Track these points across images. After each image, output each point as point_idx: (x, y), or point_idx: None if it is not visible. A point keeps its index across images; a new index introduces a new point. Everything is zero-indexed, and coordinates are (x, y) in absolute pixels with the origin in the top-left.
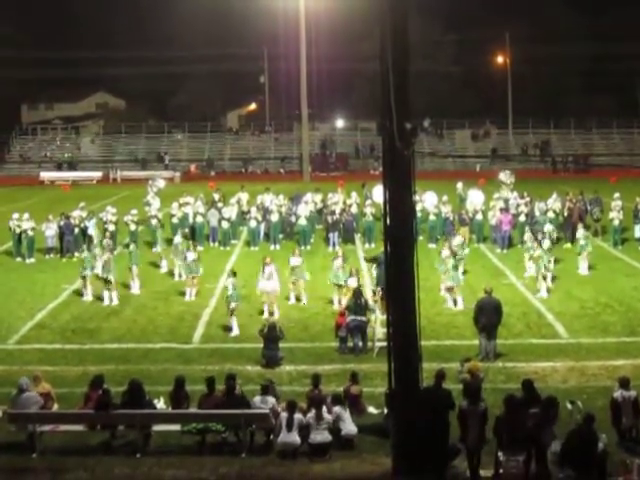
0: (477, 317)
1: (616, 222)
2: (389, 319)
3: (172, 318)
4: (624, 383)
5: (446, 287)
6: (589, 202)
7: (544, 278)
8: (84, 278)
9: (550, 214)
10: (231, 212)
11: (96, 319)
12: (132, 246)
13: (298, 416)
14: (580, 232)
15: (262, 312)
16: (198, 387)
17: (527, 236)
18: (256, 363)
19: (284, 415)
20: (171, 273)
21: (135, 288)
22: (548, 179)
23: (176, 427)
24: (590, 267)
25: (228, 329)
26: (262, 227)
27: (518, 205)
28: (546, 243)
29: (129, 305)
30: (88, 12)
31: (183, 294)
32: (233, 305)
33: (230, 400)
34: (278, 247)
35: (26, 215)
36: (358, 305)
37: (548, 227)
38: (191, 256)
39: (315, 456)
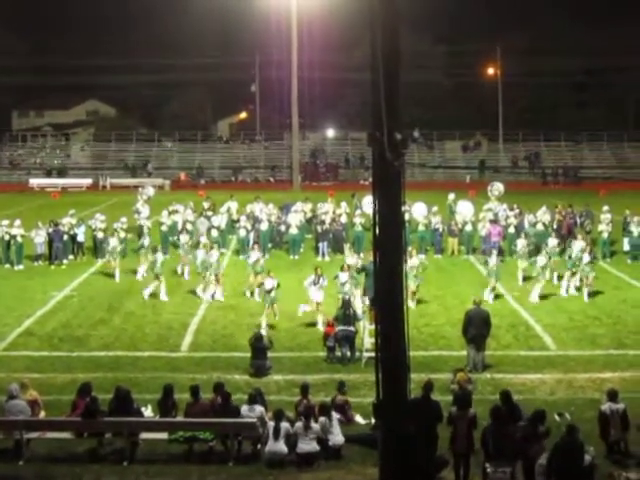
0: (466, 328)
1: (605, 235)
2: (377, 329)
3: (161, 326)
4: (612, 396)
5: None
6: (579, 215)
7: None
8: (157, 277)
9: (539, 226)
10: (221, 221)
11: (84, 327)
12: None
13: (285, 425)
14: (577, 245)
15: (312, 323)
16: (186, 395)
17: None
18: (244, 372)
19: (271, 424)
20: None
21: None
22: (538, 191)
23: (163, 435)
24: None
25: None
26: (252, 236)
27: (507, 217)
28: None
29: (118, 313)
30: (79, 20)
31: (172, 302)
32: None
33: (226, 409)
34: (267, 256)
35: (17, 222)
36: (347, 315)
37: (553, 242)
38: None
39: (302, 466)
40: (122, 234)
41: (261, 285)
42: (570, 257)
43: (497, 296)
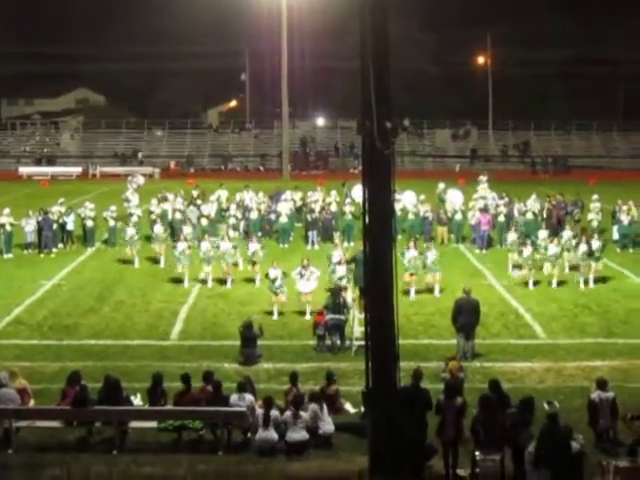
0: (455, 317)
1: (594, 224)
2: (367, 318)
3: (150, 315)
4: (602, 384)
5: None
6: (570, 204)
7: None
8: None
9: (529, 215)
10: (210, 209)
11: (74, 315)
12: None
13: (274, 413)
14: (565, 234)
15: (304, 312)
16: (175, 384)
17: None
18: (234, 360)
19: (260, 412)
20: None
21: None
22: (527, 180)
23: (153, 424)
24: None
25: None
26: (241, 225)
27: (497, 205)
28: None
29: (107, 302)
30: (69, 8)
31: (162, 290)
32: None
33: (217, 398)
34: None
35: (6, 210)
36: (337, 304)
37: (543, 234)
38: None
39: (292, 454)
40: (111, 222)
41: (267, 274)
42: (581, 250)
43: (487, 285)
